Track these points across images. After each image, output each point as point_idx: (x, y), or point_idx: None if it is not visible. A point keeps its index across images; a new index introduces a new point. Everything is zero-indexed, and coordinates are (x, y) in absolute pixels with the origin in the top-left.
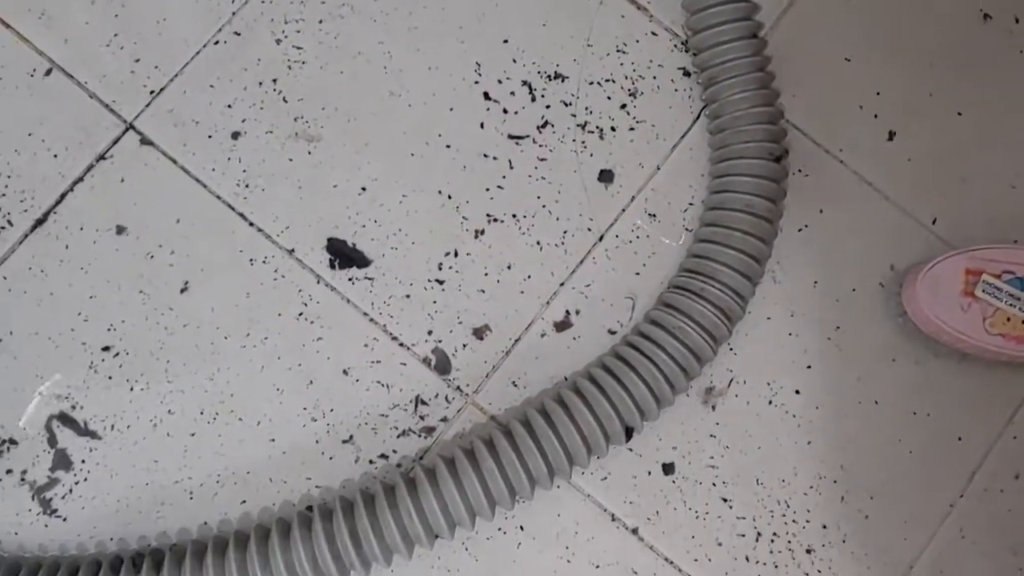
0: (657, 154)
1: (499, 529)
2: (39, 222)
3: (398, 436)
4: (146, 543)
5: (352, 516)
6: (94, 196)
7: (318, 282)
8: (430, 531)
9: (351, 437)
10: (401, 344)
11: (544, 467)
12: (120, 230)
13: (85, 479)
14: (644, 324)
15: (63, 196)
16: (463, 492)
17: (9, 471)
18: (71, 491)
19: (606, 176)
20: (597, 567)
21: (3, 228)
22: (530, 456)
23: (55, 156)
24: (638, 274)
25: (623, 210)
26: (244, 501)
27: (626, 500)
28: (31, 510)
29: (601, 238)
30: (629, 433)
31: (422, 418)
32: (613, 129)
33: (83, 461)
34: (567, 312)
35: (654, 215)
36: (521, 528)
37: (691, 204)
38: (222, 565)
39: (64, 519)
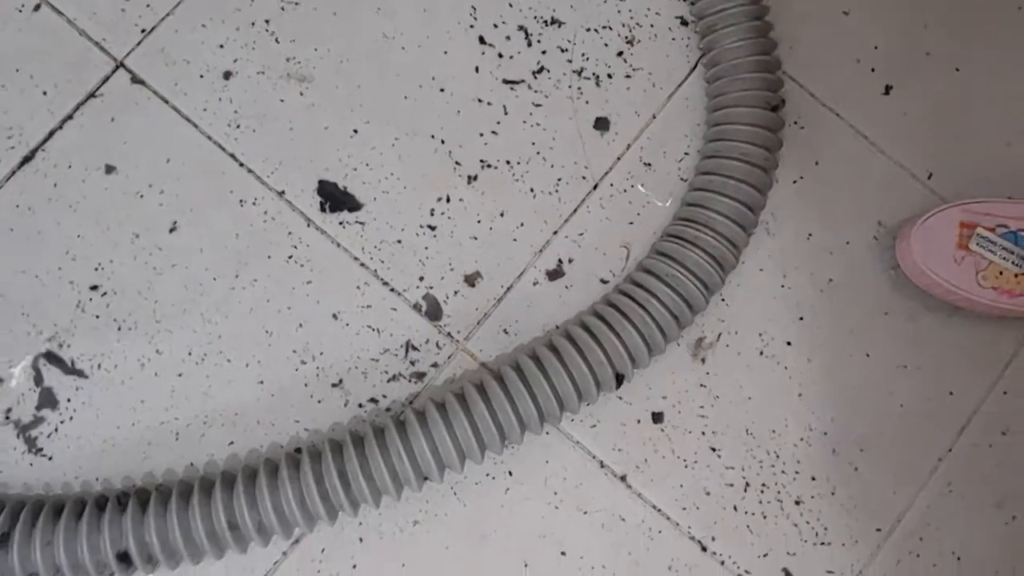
0: (653, 103)
1: (487, 474)
2: (27, 159)
3: (388, 381)
4: (132, 483)
5: (341, 457)
6: (83, 134)
7: (308, 225)
8: (419, 473)
9: (340, 381)
10: (392, 289)
11: (535, 412)
12: (109, 169)
13: (71, 418)
14: (637, 272)
15: (52, 134)
16: (453, 435)
17: None
18: (56, 430)
19: (602, 124)
20: (585, 513)
21: None
22: (521, 401)
23: (44, 93)
24: (632, 223)
25: (618, 159)
26: (232, 443)
27: (615, 447)
28: (16, 448)
29: (596, 187)
30: (620, 380)
31: (412, 363)
32: (610, 76)
33: (69, 400)
34: (559, 260)
35: (649, 164)
36: (510, 473)
37: (686, 154)
38: (208, 505)
39: (50, 458)
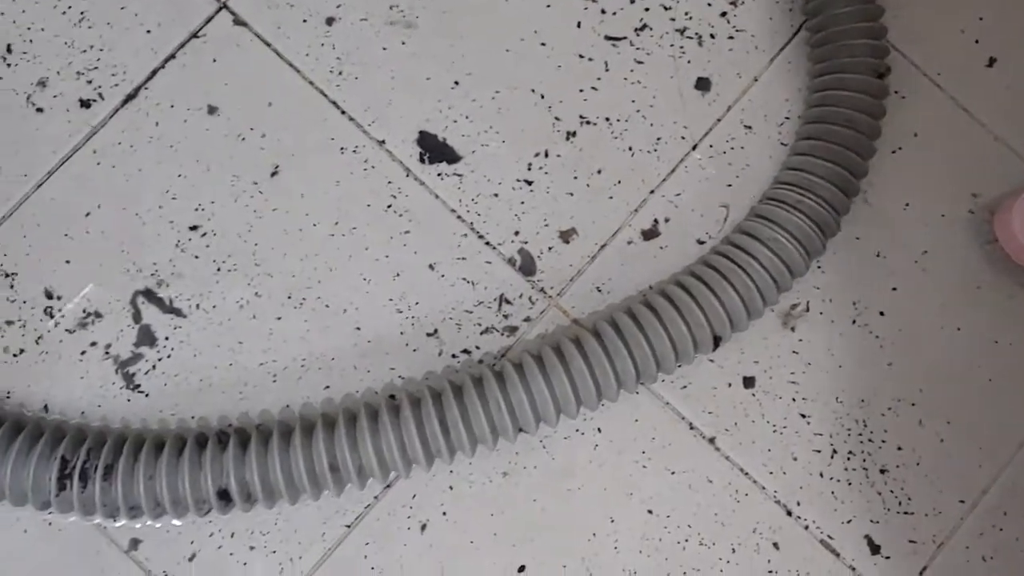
0: (755, 65)
1: (577, 430)
2: (130, 97)
3: (481, 333)
4: (228, 422)
5: (441, 405)
6: (186, 74)
7: (407, 175)
8: (516, 424)
9: (435, 331)
10: (487, 243)
11: (632, 370)
12: (211, 110)
13: (168, 356)
14: (737, 234)
15: (154, 72)
16: (551, 388)
17: (94, 344)
18: (154, 367)
19: (703, 84)
20: (672, 473)
21: (94, 101)
22: (619, 358)
23: (148, 32)
24: (730, 186)
25: (718, 120)
26: (328, 387)
27: (705, 410)
28: (114, 384)
29: (695, 147)
30: (717, 343)
31: (505, 317)
32: (712, 37)
33: (167, 338)
34: (655, 220)
35: (750, 127)
36: (599, 430)
37: (787, 118)
38: (310, 446)
39: (146, 394)
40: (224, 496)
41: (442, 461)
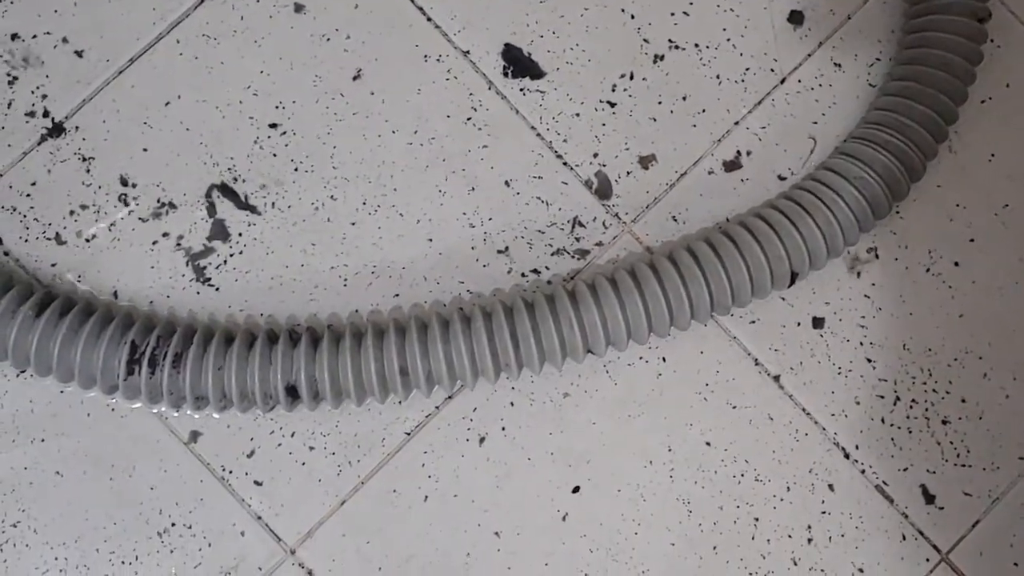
0: (850, 3)
1: (640, 357)
2: None
3: (552, 254)
4: (296, 322)
5: (513, 319)
6: None
7: (489, 88)
8: (586, 345)
9: (506, 248)
10: (565, 163)
11: (707, 299)
12: (298, 8)
13: (241, 252)
14: (822, 171)
15: None
16: (624, 311)
17: (166, 234)
18: (226, 262)
19: (796, 17)
20: (734, 408)
21: None
22: (694, 285)
23: None
24: (815, 123)
25: (809, 55)
26: (397, 295)
27: (771, 347)
28: (184, 275)
29: (783, 80)
30: (794, 278)
31: (577, 240)
32: None
33: (240, 234)
34: (738, 152)
35: (839, 65)
36: (663, 359)
37: (877, 59)
38: (380, 348)
39: (217, 288)
40: (292, 392)
41: (509, 375)
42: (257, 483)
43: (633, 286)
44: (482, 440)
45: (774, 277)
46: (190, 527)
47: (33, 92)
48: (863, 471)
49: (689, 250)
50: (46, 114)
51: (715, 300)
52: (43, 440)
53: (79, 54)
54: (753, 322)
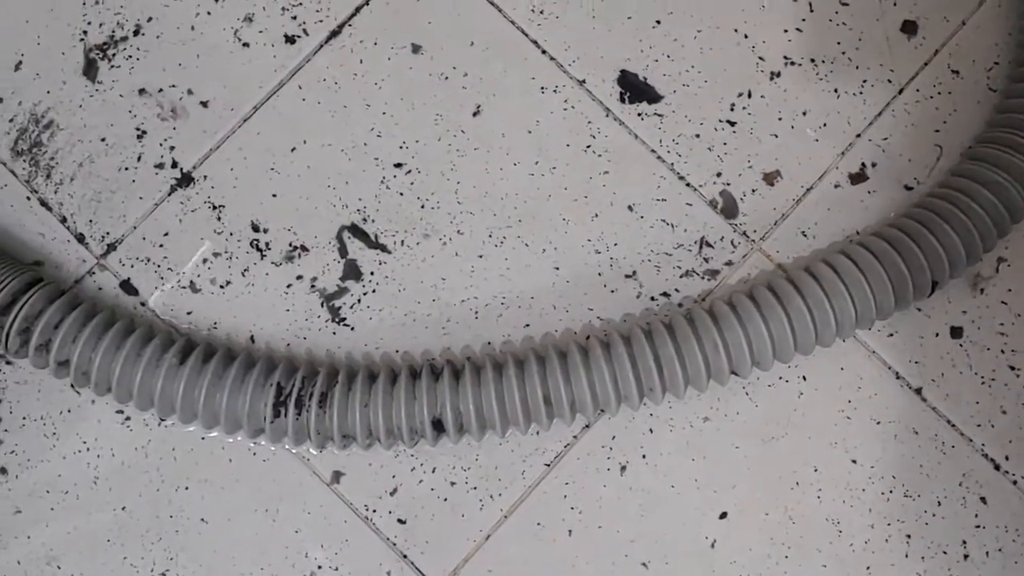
0: (964, 8)
1: (780, 377)
2: (334, 34)
3: (681, 276)
4: (431, 357)
5: (654, 342)
6: (390, 12)
7: (607, 115)
8: (731, 366)
9: (634, 272)
10: (688, 184)
11: (852, 313)
12: (415, 49)
13: (373, 291)
14: (954, 177)
15: (358, 9)
16: (770, 330)
17: (300, 277)
18: (359, 301)
19: (909, 27)
20: (878, 423)
21: (299, 37)
22: (839, 300)
23: None
24: (937, 131)
25: (925, 64)
26: (527, 325)
27: (912, 359)
28: (320, 316)
29: (901, 91)
30: (934, 287)
31: (706, 260)
32: None
33: (372, 273)
34: (863, 164)
35: (957, 72)
36: (803, 378)
37: (996, 63)
38: (523, 378)
39: (352, 328)
40: (438, 425)
41: (652, 400)
42: (401, 521)
43: (776, 303)
44: (623, 469)
45: (916, 287)
46: (337, 569)
47: (161, 144)
48: (1015, 482)
49: (828, 263)
50: (175, 165)
51: (859, 314)
52: (187, 488)
53: (204, 104)
54: (891, 335)
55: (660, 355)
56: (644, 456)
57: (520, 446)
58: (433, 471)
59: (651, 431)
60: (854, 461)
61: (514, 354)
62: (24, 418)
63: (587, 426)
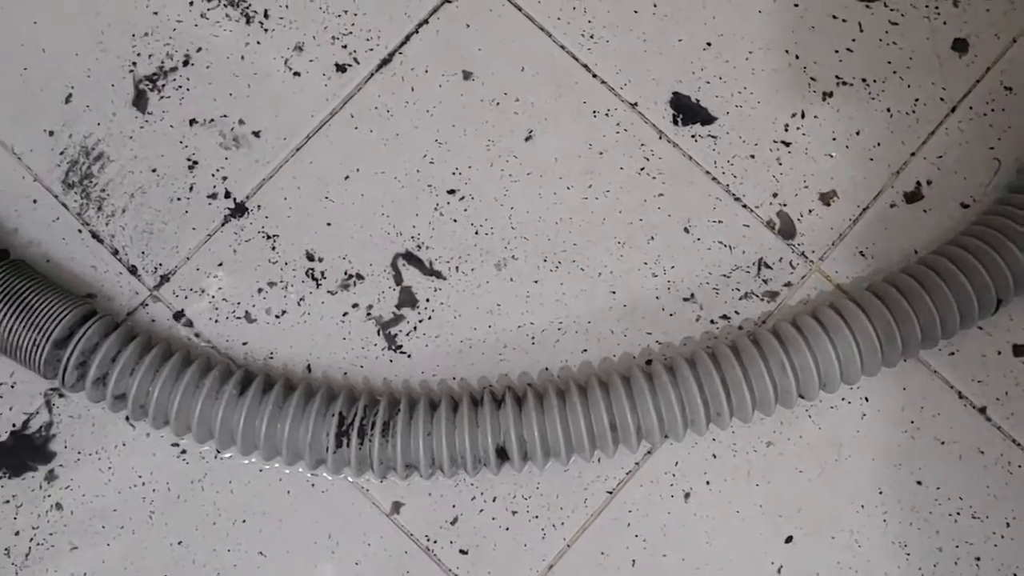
0: (1014, 25)
1: (843, 399)
2: (385, 62)
3: (740, 298)
4: (488, 383)
5: (720, 365)
6: (439, 39)
7: (660, 137)
8: (799, 387)
9: (692, 295)
10: (744, 205)
11: (918, 333)
12: (466, 75)
13: (429, 318)
14: (1012, 194)
15: (408, 37)
16: (836, 351)
17: (355, 305)
18: (415, 328)
19: (960, 45)
20: (942, 444)
21: (350, 66)
22: (904, 320)
23: None
24: (992, 148)
25: (977, 81)
26: (585, 350)
27: (974, 379)
28: (376, 344)
29: (954, 109)
30: (999, 305)
31: (765, 282)
32: None
33: (427, 300)
34: (918, 183)
35: (1010, 88)
36: (866, 399)
37: None
38: (587, 404)
39: (409, 356)
40: (501, 453)
41: (719, 426)
42: (463, 551)
43: (842, 324)
44: (687, 495)
45: (981, 305)
46: None
47: (213, 174)
48: None
49: (892, 283)
50: (228, 195)
51: (925, 333)
52: (244, 521)
53: (256, 134)
54: (952, 354)
55: (728, 379)
56: (708, 482)
57: (581, 474)
58: (494, 500)
59: (714, 456)
60: (919, 483)
61: (576, 380)
62: (79, 452)
63: (649, 452)
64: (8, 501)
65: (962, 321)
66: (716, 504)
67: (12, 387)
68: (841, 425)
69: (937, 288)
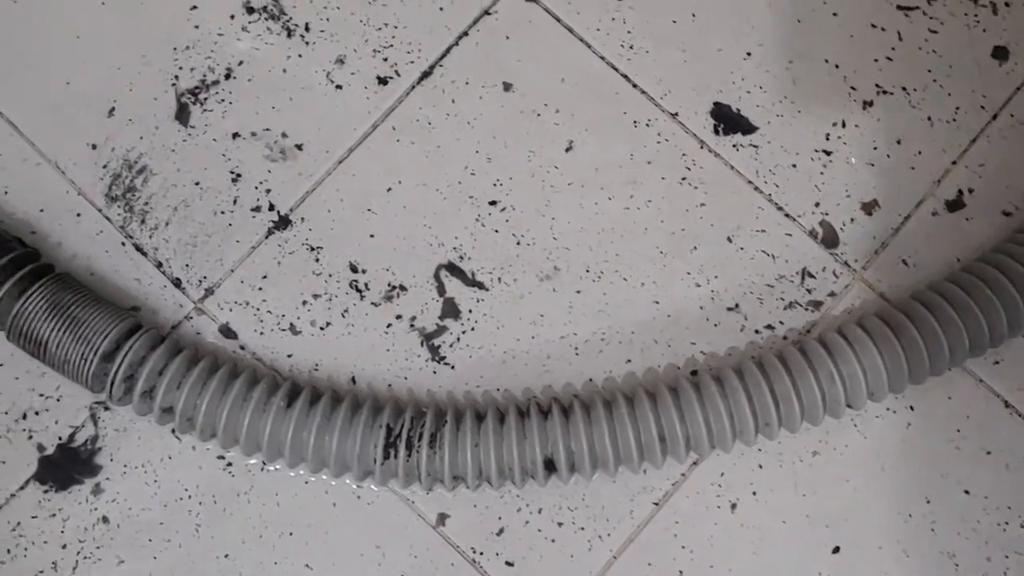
0: None
1: (888, 408)
2: (425, 74)
3: (784, 308)
4: (532, 394)
5: (768, 375)
6: (479, 51)
7: (701, 147)
8: (847, 398)
9: (736, 305)
10: (787, 215)
11: (965, 341)
12: (506, 87)
13: (472, 328)
14: None
15: (449, 50)
16: (884, 360)
17: (399, 316)
18: (459, 339)
19: (1000, 53)
20: (988, 453)
21: (391, 78)
22: (950, 328)
23: (440, 9)
24: None
25: (1018, 89)
26: (629, 360)
27: (1020, 387)
28: (420, 356)
29: (995, 116)
30: None
31: (809, 291)
32: (1007, 4)
33: (470, 311)
34: (959, 191)
35: None
36: (911, 408)
37: None
38: (635, 415)
39: (452, 367)
40: (549, 465)
41: (767, 435)
42: (508, 564)
43: (889, 333)
44: (734, 506)
45: None
46: None
47: (256, 187)
48: None
49: (938, 292)
50: (271, 208)
51: (973, 342)
52: (291, 533)
53: (299, 147)
54: (997, 363)
55: (776, 389)
56: (754, 492)
57: (627, 485)
58: (539, 511)
59: (760, 467)
60: (967, 492)
61: (622, 391)
62: (125, 466)
63: (695, 463)
64: (55, 515)
65: (1009, 329)
66: (763, 514)
67: (58, 400)
68: (887, 435)
69: (984, 296)
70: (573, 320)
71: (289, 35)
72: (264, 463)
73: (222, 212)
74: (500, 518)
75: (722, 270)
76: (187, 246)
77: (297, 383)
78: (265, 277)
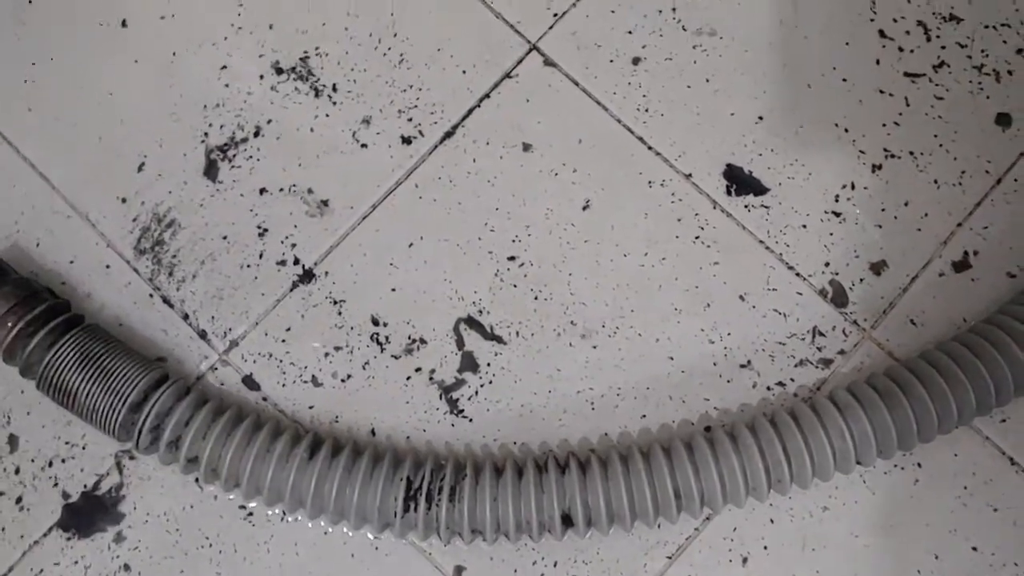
0: None
1: (896, 465)
2: (448, 134)
3: (795, 365)
4: (549, 448)
5: (781, 432)
6: (500, 113)
7: (714, 207)
8: (857, 455)
9: (749, 362)
10: (798, 274)
11: (973, 402)
12: (526, 147)
13: (490, 382)
14: None
15: (471, 111)
16: (894, 418)
17: (418, 369)
18: (477, 393)
19: (1003, 119)
20: (995, 510)
21: (415, 138)
22: (958, 389)
23: (463, 72)
24: None
25: (1021, 154)
26: (644, 416)
27: None
28: (439, 408)
29: (999, 181)
30: None
31: (819, 349)
32: (1010, 73)
33: (488, 364)
34: (965, 252)
35: None
36: (919, 465)
37: None
38: (651, 471)
39: (470, 420)
40: (567, 520)
41: (779, 491)
42: None
43: (898, 392)
44: (745, 560)
45: None
46: None
47: (282, 242)
48: None
49: (945, 352)
50: (296, 262)
51: (979, 401)
52: None
53: (324, 203)
54: (1003, 420)
55: (788, 446)
56: (766, 547)
57: (641, 538)
58: (555, 565)
59: (772, 521)
60: (974, 548)
61: (638, 446)
62: (147, 514)
63: (708, 517)
64: (77, 562)
65: (1015, 389)
66: (774, 569)
67: (83, 448)
68: (895, 491)
69: (990, 357)
70: (589, 375)
71: (317, 95)
72: (285, 513)
73: (248, 266)
74: (516, 571)
75: (735, 327)
76: (213, 299)
77: (319, 435)
78: (289, 329)
